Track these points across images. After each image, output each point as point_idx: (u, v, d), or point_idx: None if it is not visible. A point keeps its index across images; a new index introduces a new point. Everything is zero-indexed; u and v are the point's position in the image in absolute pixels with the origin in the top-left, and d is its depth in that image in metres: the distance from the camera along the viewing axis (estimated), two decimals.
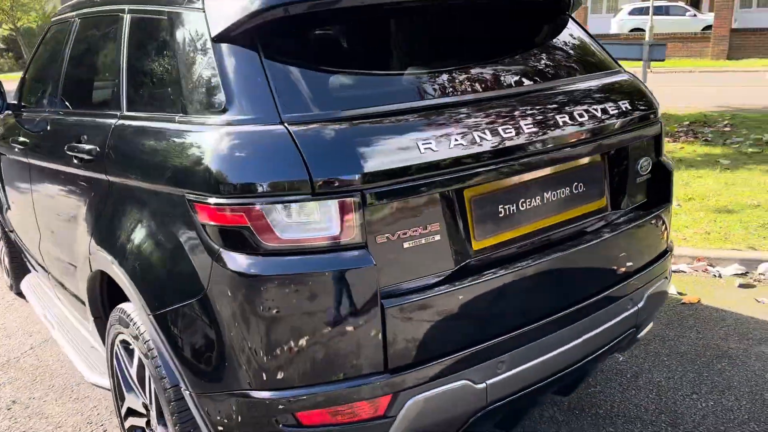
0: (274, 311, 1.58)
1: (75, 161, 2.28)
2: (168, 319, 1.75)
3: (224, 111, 1.67)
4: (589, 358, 2.05)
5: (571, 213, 2.01)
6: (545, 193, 1.93)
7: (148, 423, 2.20)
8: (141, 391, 2.13)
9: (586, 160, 2.03)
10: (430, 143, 1.68)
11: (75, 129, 2.38)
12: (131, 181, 1.95)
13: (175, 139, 1.78)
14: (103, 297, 2.36)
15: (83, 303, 2.56)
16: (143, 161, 1.90)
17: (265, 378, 1.62)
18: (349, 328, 1.61)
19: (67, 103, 2.68)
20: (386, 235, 1.63)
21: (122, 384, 2.27)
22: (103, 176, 2.11)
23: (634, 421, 2.64)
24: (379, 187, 1.59)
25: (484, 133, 1.75)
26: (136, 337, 1.97)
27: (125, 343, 2.15)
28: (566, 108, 1.94)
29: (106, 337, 2.27)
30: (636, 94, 2.17)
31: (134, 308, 2.00)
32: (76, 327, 2.99)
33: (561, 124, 1.89)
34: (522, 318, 1.85)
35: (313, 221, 1.57)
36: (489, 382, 1.78)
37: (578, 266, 1.95)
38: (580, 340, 1.98)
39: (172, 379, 1.79)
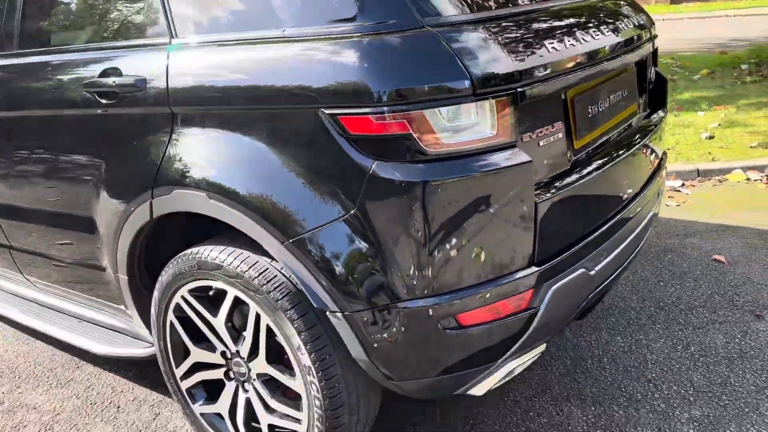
0: (435, 217, 1.58)
1: (102, 100, 2.02)
2: (311, 243, 1.66)
3: (353, 19, 1.61)
4: (633, 255, 2.27)
5: (622, 115, 2.21)
6: (610, 97, 2.10)
7: (226, 373, 2.07)
8: (222, 339, 2.00)
9: (631, 67, 2.24)
10: (556, 44, 1.76)
11: (91, 66, 2.09)
12: (219, 108, 1.79)
13: (296, 54, 1.66)
14: (140, 252, 2.15)
15: (100, 268, 2.30)
16: (239, 87, 1.74)
17: (428, 285, 1.63)
18: (509, 227, 1.66)
19: (49, 41, 2.35)
20: (529, 134, 1.70)
21: (184, 341, 2.11)
22: (162, 109, 1.89)
23: (627, 311, 2.98)
24: (526, 87, 1.64)
25: (584, 36, 1.88)
26: (233, 277, 1.84)
27: (200, 291, 2.00)
28: (621, 19, 2.13)
29: (158, 295, 2.08)
30: (642, 11, 2.42)
31: (231, 248, 1.86)
32: (60, 306, 2.67)
33: (621, 32, 2.07)
34: (610, 210, 2.03)
35: (471, 123, 1.59)
36: (596, 269, 1.93)
37: (633, 164, 2.16)
38: (637, 230, 2.21)
39: (318, 304, 1.71)
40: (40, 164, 2.32)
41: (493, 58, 1.61)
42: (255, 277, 1.80)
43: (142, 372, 2.78)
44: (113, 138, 2.05)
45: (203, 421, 2.19)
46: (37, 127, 2.28)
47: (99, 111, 2.05)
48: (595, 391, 2.44)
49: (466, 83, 1.55)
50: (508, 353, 1.79)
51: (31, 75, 2.31)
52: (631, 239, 2.16)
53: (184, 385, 2.19)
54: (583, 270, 1.88)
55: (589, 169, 1.91)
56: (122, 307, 2.36)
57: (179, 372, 2.18)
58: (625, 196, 2.11)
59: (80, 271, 2.42)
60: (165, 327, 2.14)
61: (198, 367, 2.14)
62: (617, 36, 2.04)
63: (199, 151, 1.84)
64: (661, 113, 2.50)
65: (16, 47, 2.40)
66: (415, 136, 1.54)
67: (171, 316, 2.10)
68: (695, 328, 2.80)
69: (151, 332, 2.30)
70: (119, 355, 2.42)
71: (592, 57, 1.89)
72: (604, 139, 2.08)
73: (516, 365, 1.88)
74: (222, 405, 2.11)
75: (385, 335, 1.68)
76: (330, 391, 1.80)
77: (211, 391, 2.19)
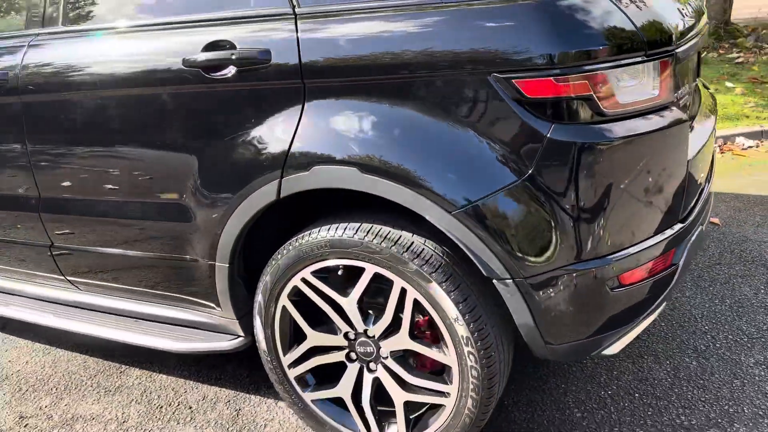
0: (611, 178, 1.62)
1: (210, 75, 1.88)
2: (483, 210, 1.63)
3: None
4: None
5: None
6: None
7: (347, 355, 2.01)
8: (350, 320, 1.94)
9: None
10: (686, 13, 1.85)
11: (191, 38, 1.92)
12: (364, 79, 1.72)
13: (462, 19, 1.63)
14: (244, 238, 2.03)
15: (184, 259, 2.14)
16: (391, 55, 1.68)
17: (601, 246, 1.66)
18: (672, 184, 1.73)
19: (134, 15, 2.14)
20: (676, 95, 1.77)
21: (300, 326, 2.02)
22: (292, 83, 1.79)
23: (733, 264, 3.15)
24: (678, 48, 1.72)
25: (686, 8, 1.98)
26: (375, 253, 1.78)
27: (324, 272, 1.92)
28: None
29: (270, 279, 1.98)
30: None
31: (368, 224, 1.80)
32: (111, 306, 2.46)
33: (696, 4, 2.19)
34: (706, 170, 2.15)
35: (642, 83, 1.64)
36: (703, 226, 2.05)
37: (711, 127, 2.29)
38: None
39: (488, 272, 1.68)
40: (118, 151, 2.12)
41: (657, 21, 1.67)
42: (402, 252, 1.76)
43: (197, 370, 2.62)
44: (224, 116, 1.91)
45: (315, 408, 2.11)
46: (116, 108, 2.08)
47: (204, 87, 1.90)
48: (663, 348, 2.58)
49: (640, 43, 1.59)
50: (649, 310, 1.86)
51: (111, 52, 2.10)
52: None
53: (293, 373, 2.10)
54: (701, 227, 1.98)
55: (698, 129, 2.02)
56: (199, 299, 2.22)
57: (287, 360, 2.08)
58: (708, 157, 2.24)
59: (154, 265, 2.24)
60: (274, 313, 2.03)
61: (313, 352, 2.05)
62: (698, 7, 2.16)
63: (343, 124, 1.76)
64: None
65: (90, 21, 2.19)
66: (595, 97, 1.57)
67: (284, 301, 2.00)
68: (722, 284, 3.02)
69: (241, 323, 2.19)
70: (201, 351, 2.27)
71: (697, 27, 1.99)
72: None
73: (647, 322, 1.96)
74: (343, 388, 2.04)
75: (554, 299, 1.69)
76: (488, 360, 1.80)
77: (322, 376, 2.12)
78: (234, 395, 2.45)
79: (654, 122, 1.66)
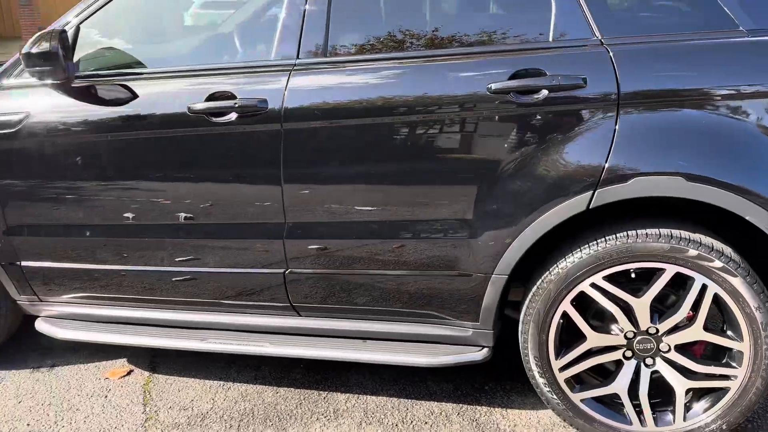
0: None
1: (522, 99, 2.06)
2: None
3: None
4: None
5: None
6: None
7: (624, 353, 2.22)
8: (636, 320, 2.15)
9: None
10: None
11: (497, 68, 2.09)
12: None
13: None
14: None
15: (451, 274, 2.26)
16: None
17: None
18: None
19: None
20: None
21: (580, 329, 2.21)
22: (605, 104, 2.03)
23: None
24: None
25: None
26: (677, 255, 2.02)
27: (616, 276, 2.13)
28: None
29: (553, 287, 2.17)
30: None
31: (667, 229, 2.05)
32: (355, 329, 2.49)
33: None
34: None
35: None
36: None
37: None
38: None
39: None
40: (392, 173, 2.22)
41: None
42: (708, 252, 2.02)
43: (399, 387, 2.68)
44: (534, 135, 2.08)
45: (585, 408, 2.28)
46: (400, 134, 2.17)
47: (513, 110, 2.08)
48: None
49: None
50: None
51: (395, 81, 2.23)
52: None
53: (562, 376, 2.26)
54: None
55: None
56: (448, 312, 2.34)
57: (558, 364, 2.25)
58: None
59: (408, 282, 2.33)
60: (552, 319, 2.20)
61: (588, 353, 2.24)
62: None
63: (664, 138, 2.01)
64: None
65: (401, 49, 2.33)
66: None
67: (566, 306, 2.18)
68: None
69: (493, 333, 2.33)
70: (450, 364, 2.37)
71: None
72: None
73: None
74: (619, 384, 2.24)
75: None
76: None
77: (587, 376, 2.30)
78: (458, 407, 2.55)
79: None
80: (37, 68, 2.29)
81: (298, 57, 2.27)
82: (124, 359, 2.98)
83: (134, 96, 2.37)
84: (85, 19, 2.47)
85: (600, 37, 2.07)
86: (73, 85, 2.40)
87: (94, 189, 2.49)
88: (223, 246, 2.45)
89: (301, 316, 2.53)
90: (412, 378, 2.74)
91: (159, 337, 2.65)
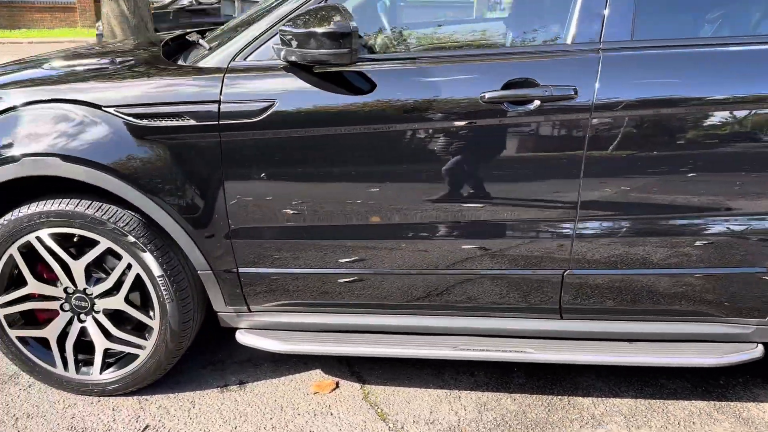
0: None
1: None
2: None
3: None
4: None
5: None
6: None
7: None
8: None
9: None
10: None
11: None
12: None
13: None
14: None
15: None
16: None
17: None
18: None
19: None
20: None
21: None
22: None
23: None
24: None
25: None
26: None
27: None
28: None
29: None
30: None
31: None
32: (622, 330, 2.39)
33: None
34: None
35: None
36: None
37: None
38: None
39: None
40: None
41: None
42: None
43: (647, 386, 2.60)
44: None
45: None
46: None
47: None
48: None
49: None
50: None
51: None
52: None
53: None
54: None
55: None
56: (718, 311, 2.29)
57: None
58: None
59: (704, 281, 2.24)
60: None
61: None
62: None
63: None
64: None
65: None
66: None
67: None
68: None
69: None
70: (736, 363, 2.31)
71: None
72: None
73: None
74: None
75: None
76: None
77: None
78: (714, 405, 2.52)
79: None
80: (323, 50, 2.00)
81: (601, 41, 2.10)
82: (316, 370, 2.71)
83: (418, 82, 2.13)
84: None
85: None
86: (353, 70, 2.13)
87: (344, 187, 2.23)
88: (498, 247, 2.26)
89: (562, 318, 2.38)
90: (642, 378, 2.66)
91: (402, 347, 2.41)
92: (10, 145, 2.27)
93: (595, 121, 2.08)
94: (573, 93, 2.07)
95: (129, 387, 2.53)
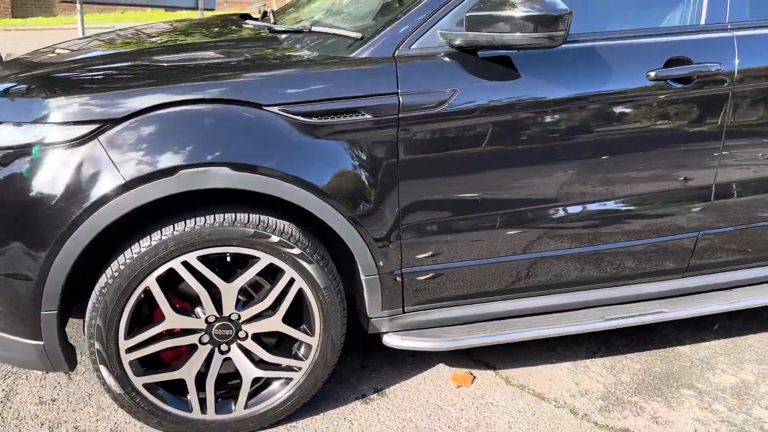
0: None
1: None
2: None
3: None
4: None
5: None
6: None
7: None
8: None
9: None
10: None
11: None
12: None
13: None
14: None
15: None
16: None
17: None
18: None
19: None
20: None
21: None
22: None
23: None
24: None
25: None
26: None
27: None
28: None
29: None
30: None
31: None
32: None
33: None
34: None
35: None
36: None
37: None
38: None
39: None
40: None
41: None
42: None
43: None
44: None
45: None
46: None
47: None
48: None
49: None
50: None
51: None
52: None
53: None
54: None
55: None
56: None
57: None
58: None
59: None
60: None
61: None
62: None
63: None
64: None
65: None
66: None
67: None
68: None
69: None
70: None
71: None
72: None
73: None
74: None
75: None
76: None
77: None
78: None
79: None
80: (531, 34, 1.98)
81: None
82: (439, 365, 2.66)
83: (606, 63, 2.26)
84: None
85: None
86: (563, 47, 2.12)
87: (526, 173, 2.26)
88: (642, 215, 2.43)
89: (684, 277, 2.62)
90: (701, 326, 2.99)
91: (546, 327, 2.46)
92: (154, 156, 1.92)
93: (736, 91, 2.34)
94: (720, 68, 2.30)
95: (279, 416, 2.27)
